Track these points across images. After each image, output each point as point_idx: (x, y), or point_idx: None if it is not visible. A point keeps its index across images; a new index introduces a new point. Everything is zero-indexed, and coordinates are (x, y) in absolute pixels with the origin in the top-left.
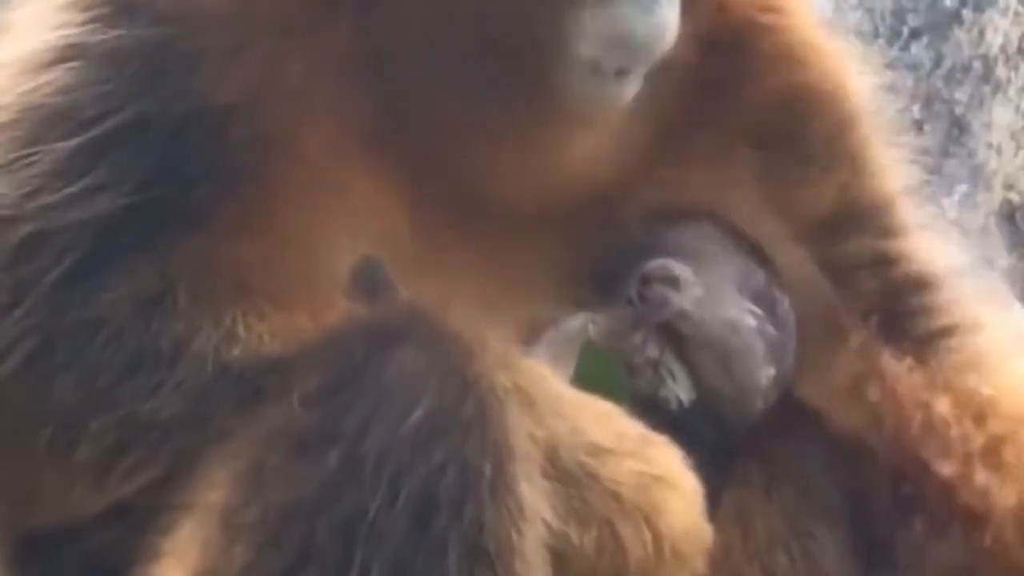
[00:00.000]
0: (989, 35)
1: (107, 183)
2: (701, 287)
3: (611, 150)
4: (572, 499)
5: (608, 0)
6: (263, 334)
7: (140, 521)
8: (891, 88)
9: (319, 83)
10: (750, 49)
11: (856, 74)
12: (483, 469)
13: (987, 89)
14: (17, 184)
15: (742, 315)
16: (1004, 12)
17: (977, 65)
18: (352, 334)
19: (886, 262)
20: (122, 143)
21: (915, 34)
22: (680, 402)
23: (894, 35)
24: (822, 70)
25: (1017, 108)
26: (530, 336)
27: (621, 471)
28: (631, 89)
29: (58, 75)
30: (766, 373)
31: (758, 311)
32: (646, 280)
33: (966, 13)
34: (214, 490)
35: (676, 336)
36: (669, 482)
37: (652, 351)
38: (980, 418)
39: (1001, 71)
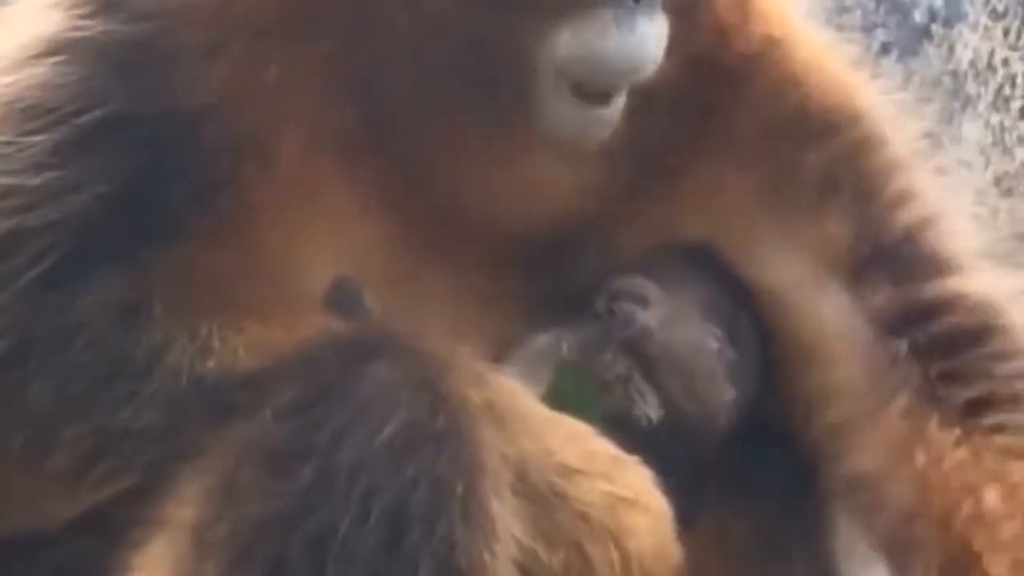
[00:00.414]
0: (959, 50)
1: (83, 181)
2: (667, 308)
3: (595, 179)
4: (541, 519)
5: (588, 22)
6: (238, 348)
7: (111, 534)
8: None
9: (295, 90)
10: (753, 80)
11: (871, 99)
12: (455, 486)
13: (956, 104)
14: None
15: (704, 337)
16: (974, 27)
17: (947, 80)
18: (326, 349)
19: (928, 311)
20: (100, 139)
21: (884, 49)
22: (650, 420)
23: (863, 50)
24: (827, 97)
25: (987, 123)
26: (502, 353)
27: (591, 492)
28: (613, 113)
29: (40, 70)
30: (727, 394)
31: (719, 333)
32: (615, 295)
33: (936, 28)
34: (186, 505)
35: (643, 355)
36: (638, 504)
37: (622, 368)
38: None
39: (971, 86)
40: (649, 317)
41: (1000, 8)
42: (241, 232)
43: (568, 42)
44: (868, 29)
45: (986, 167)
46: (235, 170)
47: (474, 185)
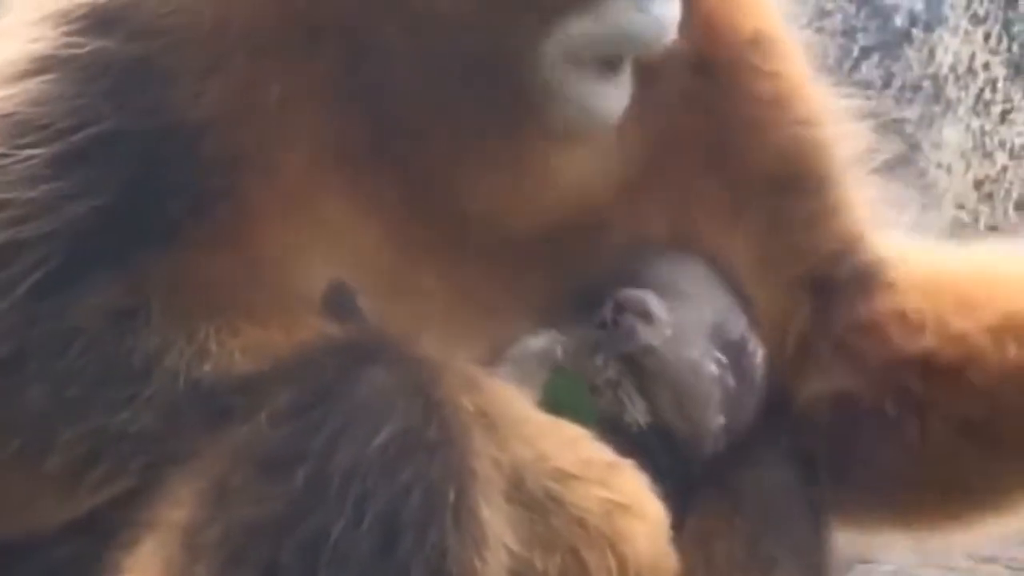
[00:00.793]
0: (939, 54)
1: (79, 193)
2: (671, 327)
3: (603, 169)
4: (537, 525)
5: (603, 5)
6: (235, 351)
7: (102, 536)
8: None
9: (297, 106)
10: (743, 90)
11: (839, 117)
12: (447, 493)
13: (937, 109)
14: None
15: (705, 360)
16: (954, 31)
17: (927, 85)
18: (321, 354)
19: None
20: (95, 155)
21: (865, 53)
22: (639, 426)
23: (844, 54)
24: (811, 117)
25: (967, 127)
26: (498, 355)
27: (587, 498)
28: (623, 91)
29: (31, 87)
30: (717, 421)
31: (723, 360)
32: (620, 307)
33: (916, 32)
34: (178, 507)
35: (638, 367)
36: (635, 509)
37: (612, 374)
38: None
39: (951, 90)
40: (650, 334)
41: (981, 12)
42: (238, 238)
43: (582, 25)
44: (849, 33)
45: (966, 171)
46: (234, 182)
47: (484, 181)
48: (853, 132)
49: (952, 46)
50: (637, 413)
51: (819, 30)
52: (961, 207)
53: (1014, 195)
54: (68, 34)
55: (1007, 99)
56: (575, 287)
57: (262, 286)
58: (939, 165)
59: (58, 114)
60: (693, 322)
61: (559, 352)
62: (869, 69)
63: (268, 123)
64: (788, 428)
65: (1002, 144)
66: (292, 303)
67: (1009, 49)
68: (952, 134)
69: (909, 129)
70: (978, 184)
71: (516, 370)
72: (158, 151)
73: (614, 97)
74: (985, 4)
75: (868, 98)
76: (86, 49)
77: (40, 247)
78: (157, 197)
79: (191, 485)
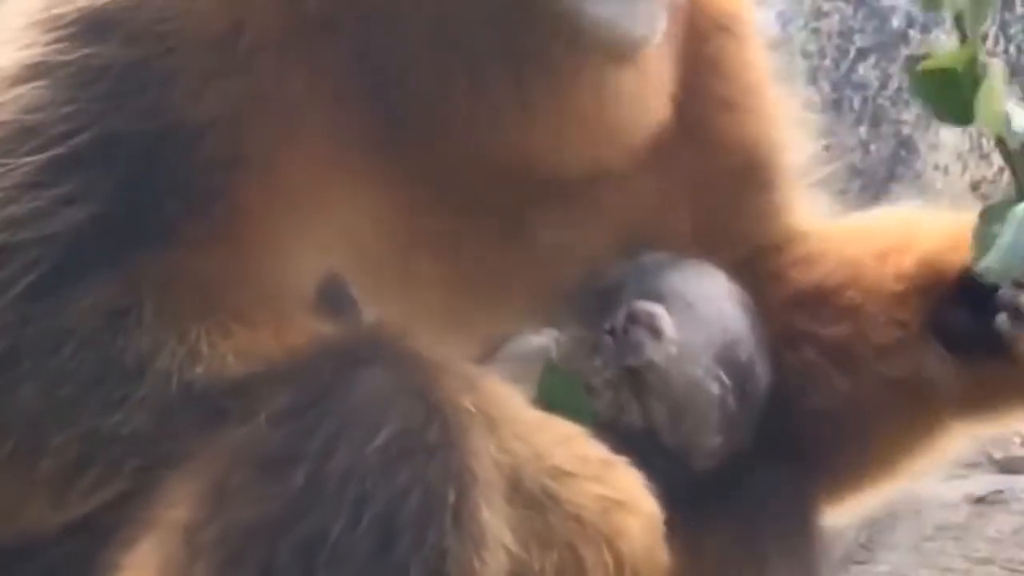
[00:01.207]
0: None
1: (75, 197)
2: (678, 345)
3: (653, 88)
4: (534, 522)
5: None
6: (227, 353)
7: (99, 535)
8: (837, 108)
9: (304, 104)
10: (722, 71)
11: (793, 123)
12: (446, 494)
13: None
14: None
15: (708, 380)
16: (951, 32)
17: None
18: (320, 355)
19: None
20: (90, 159)
21: (862, 54)
22: (634, 426)
23: (841, 55)
24: (772, 116)
25: (963, 129)
26: (495, 347)
27: (583, 494)
28: (650, 15)
29: (23, 93)
30: (713, 440)
31: (726, 381)
32: (631, 319)
33: (913, 33)
34: (176, 507)
35: (638, 379)
36: (630, 506)
37: (611, 377)
38: None
39: None
40: (657, 351)
41: None
42: (234, 238)
43: None
44: (846, 34)
45: (963, 172)
46: (231, 182)
47: (508, 128)
48: (802, 141)
49: (949, 47)
50: (633, 416)
51: (816, 31)
52: (958, 209)
53: None
54: (60, 40)
55: None
56: (589, 286)
57: (256, 286)
58: (936, 167)
59: (51, 121)
60: (702, 341)
61: (556, 350)
62: (866, 70)
63: (273, 122)
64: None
65: None
66: (286, 303)
67: (1006, 51)
68: (949, 136)
69: (906, 131)
70: (975, 185)
71: (513, 367)
72: (154, 153)
73: (642, 16)
74: None
75: (865, 99)
76: (79, 54)
77: (35, 249)
78: (152, 199)
79: (189, 485)
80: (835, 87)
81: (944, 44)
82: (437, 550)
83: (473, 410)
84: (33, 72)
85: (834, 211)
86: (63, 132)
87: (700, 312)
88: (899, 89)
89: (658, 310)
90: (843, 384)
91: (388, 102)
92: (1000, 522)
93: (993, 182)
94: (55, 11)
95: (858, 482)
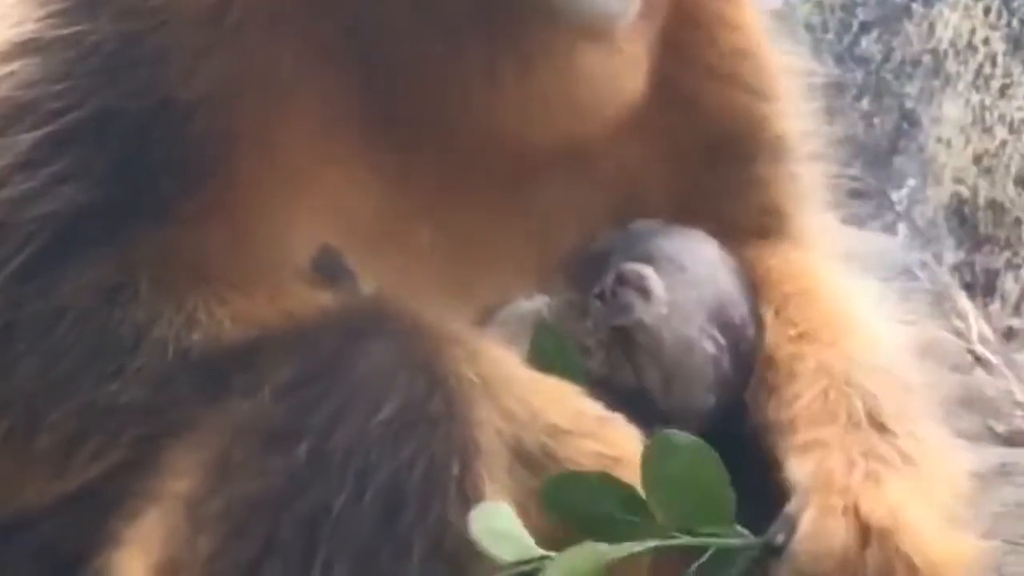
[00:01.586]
0: (939, 29)
1: (69, 175)
2: (668, 305)
3: (627, 66)
4: (533, 481)
5: None
6: (224, 320)
7: (101, 507)
8: (840, 82)
9: (296, 78)
10: (709, 34)
11: (789, 93)
12: (450, 466)
13: (937, 83)
14: None
15: (702, 339)
16: (954, 6)
17: (927, 59)
18: (322, 328)
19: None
20: (84, 136)
21: (865, 28)
22: (627, 386)
23: (844, 28)
24: (761, 86)
25: (967, 102)
26: (490, 313)
27: (580, 451)
28: None
29: (16, 70)
30: (706, 400)
31: (721, 341)
32: (620, 280)
33: (916, 7)
34: (180, 479)
35: (629, 340)
36: (626, 461)
37: (602, 337)
38: None
39: (951, 65)
40: (645, 311)
41: None
42: (229, 212)
43: None
44: (848, 7)
45: (966, 146)
46: (226, 157)
47: (492, 98)
48: (800, 111)
49: (952, 21)
50: (626, 377)
51: (819, 4)
52: (960, 181)
53: (1013, 170)
54: (52, 15)
55: (1007, 74)
56: (580, 252)
57: (252, 259)
58: (939, 140)
59: (44, 98)
60: (694, 300)
61: (548, 314)
62: (869, 44)
63: (265, 96)
64: None
65: (1002, 119)
66: (282, 273)
67: (1009, 24)
68: (952, 109)
69: (909, 104)
70: (977, 159)
71: (506, 331)
72: (148, 129)
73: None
74: None
75: (868, 72)
76: (71, 30)
77: (29, 228)
78: (147, 174)
79: (192, 457)
80: (838, 60)
81: None
82: (441, 522)
83: (476, 380)
84: (25, 49)
85: (835, 192)
86: (56, 109)
87: (692, 274)
88: (902, 62)
89: (647, 271)
90: None
91: (376, 73)
92: (1003, 496)
93: (995, 155)
94: None
95: None
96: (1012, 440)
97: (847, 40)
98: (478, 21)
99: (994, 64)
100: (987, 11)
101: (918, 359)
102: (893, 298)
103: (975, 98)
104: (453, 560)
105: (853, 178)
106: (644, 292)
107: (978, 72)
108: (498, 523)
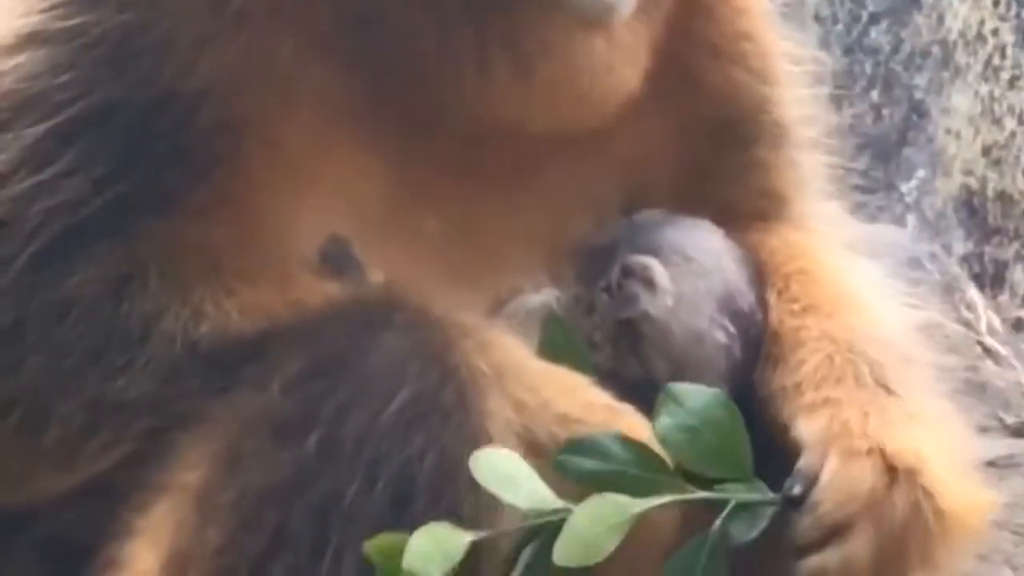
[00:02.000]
0: (948, 20)
1: (75, 168)
2: (674, 296)
3: (625, 58)
4: (543, 469)
5: None
6: (231, 311)
7: (112, 498)
8: (849, 72)
9: (305, 65)
10: (715, 16)
11: (791, 79)
12: (462, 457)
13: (946, 74)
14: None
15: (713, 329)
16: None
17: (936, 50)
18: (333, 318)
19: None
20: (90, 128)
21: (874, 19)
22: (635, 378)
23: (853, 19)
24: (764, 69)
25: (976, 93)
26: (498, 305)
27: None
28: None
29: (21, 62)
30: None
31: (732, 330)
32: (625, 272)
33: None
34: (190, 471)
35: (636, 332)
36: None
37: (609, 331)
38: None
39: (960, 56)
40: (651, 303)
41: None
42: (234, 203)
43: None
44: None
45: (975, 137)
46: (232, 147)
47: (494, 87)
48: (801, 97)
49: (961, 12)
50: (633, 369)
51: None
52: (970, 173)
53: (1023, 161)
54: (56, 6)
55: (1016, 65)
56: (584, 245)
57: (259, 249)
58: (948, 131)
59: (50, 90)
60: (702, 291)
61: (554, 303)
62: (878, 34)
63: (268, 85)
64: None
65: (1011, 110)
66: (290, 263)
67: (1018, 15)
68: (961, 100)
69: (918, 95)
70: (986, 150)
71: (515, 325)
72: (153, 122)
73: None
74: None
75: (877, 64)
76: (74, 22)
77: (36, 222)
78: (152, 166)
79: (202, 449)
80: (847, 51)
81: None
82: (452, 514)
83: (487, 371)
84: (30, 40)
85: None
86: (61, 101)
87: (699, 264)
88: (911, 54)
89: (651, 262)
90: None
91: (375, 62)
92: (1013, 486)
93: (1005, 146)
94: None
95: None
96: (1021, 431)
97: (856, 31)
98: (471, 11)
99: (1003, 55)
100: (996, 2)
101: (920, 337)
102: (898, 284)
103: (984, 89)
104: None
105: (862, 171)
106: (649, 284)
107: (987, 63)
108: (506, 468)
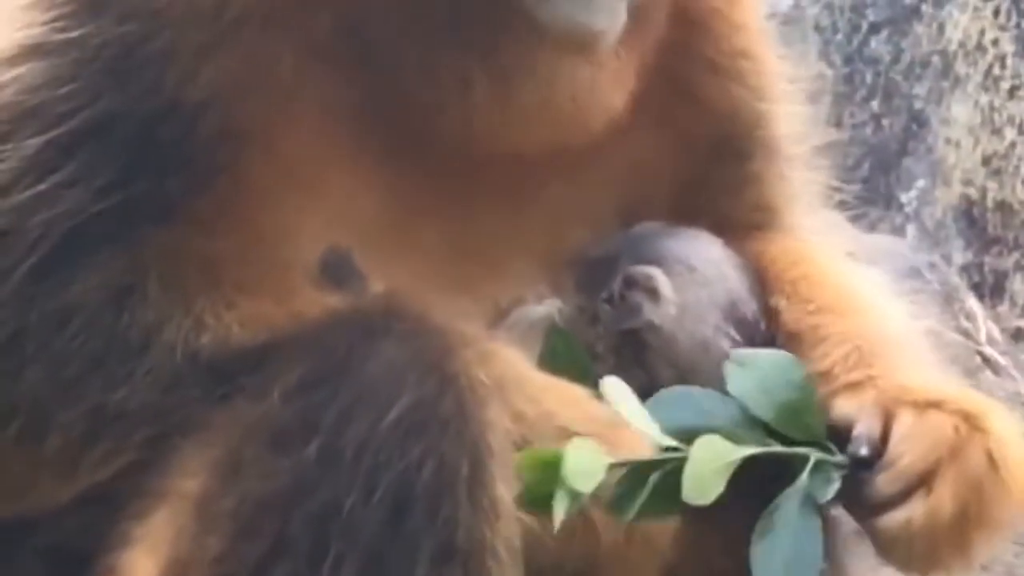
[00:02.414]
0: (948, 30)
1: (77, 179)
2: (677, 306)
3: (610, 82)
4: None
5: None
6: (232, 323)
7: (112, 506)
8: (850, 82)
9: (305, 76)
10: (713, 33)
11: (786, 95)
12: (460, 467)
13: (946, 84)
14: None
15: (718, 337)
16: (963, 7)
17: (936, 60)
18: (333, 327)
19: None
20: (91, 139)
21: (874, 28)
22: (640, 389)
23: (853, 29)
24: (761, 85)
25: (976, 103)
26: (498, 316)
27: None
28: (609, 12)
29: (22, 74)
30: None
31: (736, 337)
32: (628, 283)
33: (925, 8)
34: (189, 479)
35: (640, 342)
36: None
37: (613, 343)
38: None
39: (960, 66)
40: (655, 312)
41: None
42: (235, 213)
43: None
44: (858, 8)
45: (975, 147)
46: (233, 157)
47: (493, 109)
48: (794, 114)
49: (961, 22)
50: (638, 379)
51: (828, 5)
52: (969, 183)
53: (1022, 171)
54: (57, 19)
55: (1016, 75)
56: (583, 257)
57: (259, 260)
58: (948, 141)
59: (51, 101)
60: (706, 300)
61: (557, 315)
62: (878, 44)
63: (267, 96)
64: None
65: (1011, 120)
66: (289, 274)
67: (1018, 25)
68: (961, 110)
69: (918, 105)
70: (986, 160)
71: (517, 336)
72: (154, 131)
73: (601, 11)
74: None
75: (877, 74)
76: (75, 34)
77: (38, 231)
78: (153, 177)
79: (202, 457)
80: (847, 61)
81: None
82: (450, 522)
83: (487, 381)
84: (31, 52)
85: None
86: (62, 112)
87: (701, 274)
88: (911, 64)
89: (654, 272)
90: None
91: (369, 75)
92: None
93: (1004, 156)
94: None
95: None
96: None
97: (856, 41)
98: (453, 32)
99: (1003, 65)
100: (996, 12)
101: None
102: (898, 294)
103: (984, 99)
104: (461, 560)
105: (862, 180)
106: (652, 293)
107: (987, 73)
108: (629, 402)
